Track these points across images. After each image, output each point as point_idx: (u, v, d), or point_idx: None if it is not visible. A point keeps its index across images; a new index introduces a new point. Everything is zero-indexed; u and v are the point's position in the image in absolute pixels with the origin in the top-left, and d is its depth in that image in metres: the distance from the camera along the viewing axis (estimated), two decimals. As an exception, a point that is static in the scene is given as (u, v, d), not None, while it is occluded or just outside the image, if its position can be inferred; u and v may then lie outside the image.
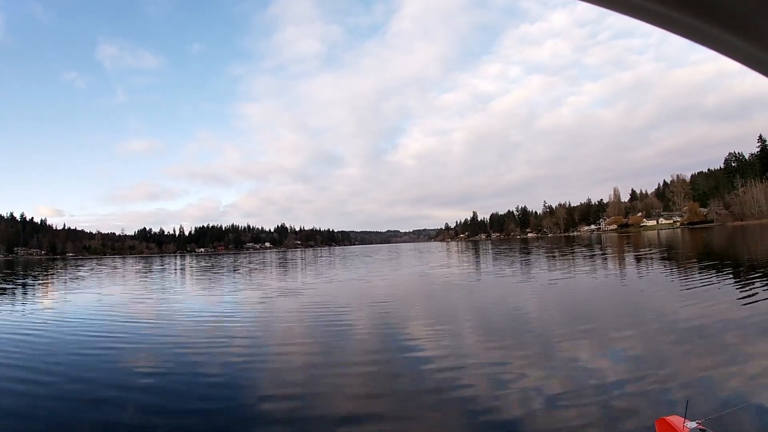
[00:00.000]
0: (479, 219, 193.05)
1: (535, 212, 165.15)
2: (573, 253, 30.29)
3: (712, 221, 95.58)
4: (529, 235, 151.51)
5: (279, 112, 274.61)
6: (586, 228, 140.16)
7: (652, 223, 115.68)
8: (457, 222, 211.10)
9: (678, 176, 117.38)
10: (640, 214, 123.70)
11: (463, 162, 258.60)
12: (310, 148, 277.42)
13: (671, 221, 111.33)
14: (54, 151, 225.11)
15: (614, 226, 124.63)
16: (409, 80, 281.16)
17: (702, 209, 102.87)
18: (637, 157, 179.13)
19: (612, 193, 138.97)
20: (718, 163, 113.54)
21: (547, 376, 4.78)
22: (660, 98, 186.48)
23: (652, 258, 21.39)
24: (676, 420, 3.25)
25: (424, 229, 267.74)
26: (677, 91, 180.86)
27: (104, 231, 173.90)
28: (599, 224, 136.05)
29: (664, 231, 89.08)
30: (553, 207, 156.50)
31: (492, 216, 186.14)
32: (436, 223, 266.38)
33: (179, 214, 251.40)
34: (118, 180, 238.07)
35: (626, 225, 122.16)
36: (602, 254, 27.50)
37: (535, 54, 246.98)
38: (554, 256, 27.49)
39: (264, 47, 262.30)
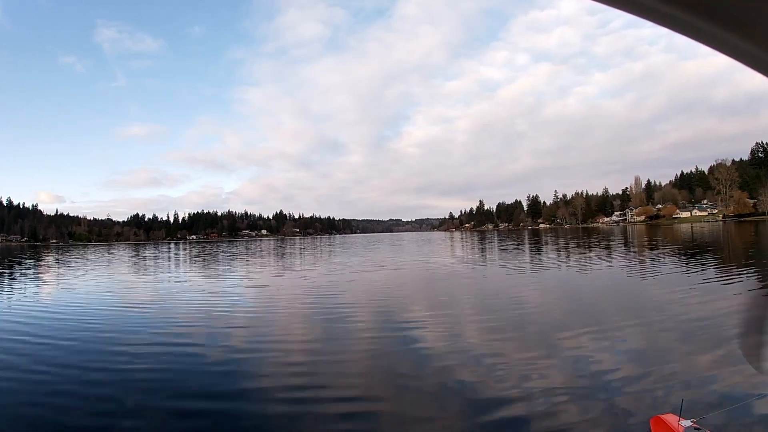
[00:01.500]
0: (485, 208, 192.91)
1: (544, 202, 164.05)
2: (607, 247, 28.16)
3: (764, 213, 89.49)
4: (541, 225, 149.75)
5: (280, 97, 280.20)
6: (606, 219, 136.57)
7: (686, 214, 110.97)
8: (461, 211, 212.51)
9: (722, 161, 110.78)
10: (661, 205, 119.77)
11: (466, 151, 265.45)
12: (312, 134, 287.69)
13: (705, 213, 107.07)
14: (54, 136, 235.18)
15: (642, 218, 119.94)
16: (413, 66, 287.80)
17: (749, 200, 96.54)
18: (643, 150, 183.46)
19: (633, 182, 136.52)
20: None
21: (545, 372, 5.06)
22: (668, 90, 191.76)
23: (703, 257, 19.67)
24: (671, 418, 3.48)
25: (427, 219, 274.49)
26: (686, 83, 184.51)
27: (104, 217, 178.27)
28: (624, 215, 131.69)
29: (700, 224, 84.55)
30: (567, 196, 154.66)
31: (499, 205, 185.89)
32: (439, 213, 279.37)
33: (181, 201, 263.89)
34: (120, 166, 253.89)
35: (656, 216, 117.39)
36: (642, 250, 26.04)
37: (543, 41, 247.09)
38: (587, 252, 25.45)
39: (265, 30, 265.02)
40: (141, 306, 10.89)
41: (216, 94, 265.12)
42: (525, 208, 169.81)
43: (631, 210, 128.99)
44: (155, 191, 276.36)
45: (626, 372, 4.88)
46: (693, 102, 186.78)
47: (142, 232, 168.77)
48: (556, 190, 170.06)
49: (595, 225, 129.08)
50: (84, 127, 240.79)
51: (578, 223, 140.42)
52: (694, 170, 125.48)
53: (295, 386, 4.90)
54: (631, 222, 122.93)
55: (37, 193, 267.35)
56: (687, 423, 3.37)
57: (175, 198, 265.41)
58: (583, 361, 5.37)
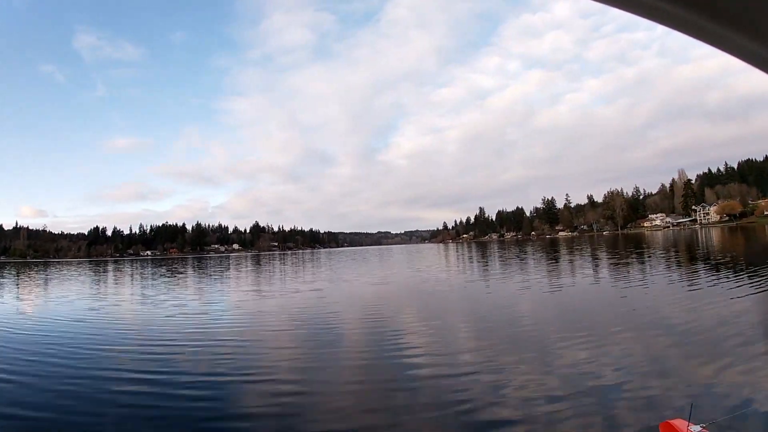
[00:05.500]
0: (485, 216, 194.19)
1: (565, 205, 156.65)
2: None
3: None
4: (560, 234, 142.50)
5: (268, 107, 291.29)
6: (657, 222, 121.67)
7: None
8: (456, 221, 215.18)
9: None
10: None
11: (457, 162, 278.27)
12: (301, 146, 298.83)
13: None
14: (36, 148, 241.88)
15: (718, 217, 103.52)
16: (403, 73, 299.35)
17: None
18: (636, 157, 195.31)
19: (678, 176, 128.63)
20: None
21: (553, 377, 5.62)
22: (662, 96, 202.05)
23: None
24: (680, 423, 3.97)
25: (416, 230, 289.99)
26: (680, 88, 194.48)
27: (75, 232, 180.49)
28: (690, 215, 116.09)
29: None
30: (594, 198, 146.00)
31: (501, 213, 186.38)
32: (428, 225, 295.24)
33: (167, 215, 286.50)
34: (105, 180, 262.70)
35: (742, 215, 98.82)
36: None
37: (535, 47, 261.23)
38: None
39: (250, 36, 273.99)
40: None
41: (202, 105, 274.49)
42: (528, 214, 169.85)
43: (704, 208, 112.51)
44: (141, 205, 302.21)
45: (637, 377, 5.48)
46: (686, 107, 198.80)
47: (84, 248, 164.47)
48: (567, 194, 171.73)
49: (637, 231, 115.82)
50: (68, 139, 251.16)
51: (616, 229, 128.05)
52: (722, 167, 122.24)
53: None
54: (704, 224, 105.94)
55: (19, 207, 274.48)
56: (696, 428, 3.85)
57: (162, 212, 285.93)
58: (593, 368, 5.92)
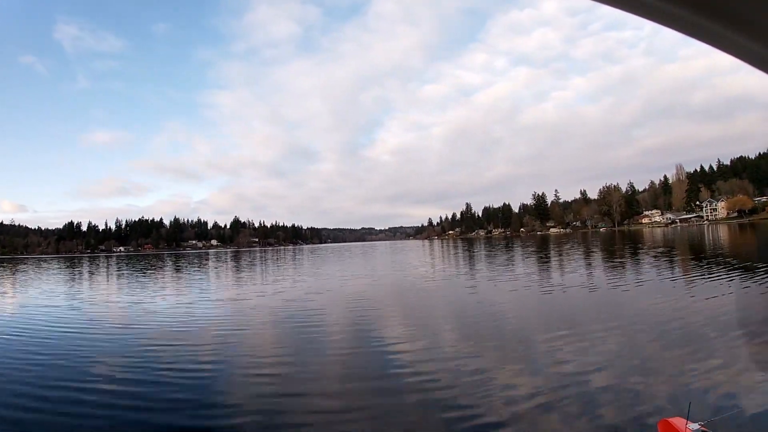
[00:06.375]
0: (472, 212, 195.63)
1: (555, 200, 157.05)
2: None
3: None
4: (552, 230, 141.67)
5: (251, 101, 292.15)
6: (657, 218, 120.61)
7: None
8: (441, 218, 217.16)
9: None
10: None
11: (442, 158, 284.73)
12: (285, 141, 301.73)
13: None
14: (16, 141, 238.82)
15: (725, 213, 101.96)
16: (389, 69, 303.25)
17: None
18: (621, 155, 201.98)
19: (675, 172, 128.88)
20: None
21: (550, 376, 5.50)
22: (647, 95, 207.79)
23: None
24: (678, 422, 3.79)
25: (401, 227, 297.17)
26: (665, 87, 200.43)
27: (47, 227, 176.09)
28: (694, 211, 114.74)
29: None
30: (586, 194, 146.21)
31: (487, 209, 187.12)
32: (413, 221, 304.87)
33: (150, 211, 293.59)
34: (86, 174, 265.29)
35: (752, 211, 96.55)
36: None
37: (522, 44, 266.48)
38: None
39: (234, 28, 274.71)
40: None
41: (184, 98, 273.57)
42: (516, 210, 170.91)
43: (711, 203, 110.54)
44: (123, 201, 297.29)
45: (635, 376, 5.40)
46: (671, 106, 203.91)
47: (53, 243, 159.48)
48: (556, 190, 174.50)
49: (636, 227, 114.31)
50: (47, 132, 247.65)
51: (613, 226, 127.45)
52: (714, 165, 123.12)
53: None
54: (712, 220, 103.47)
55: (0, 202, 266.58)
56: (695, 426, 3.68)
57: (144, 208, 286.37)
58: (590, 366, 5.83)
